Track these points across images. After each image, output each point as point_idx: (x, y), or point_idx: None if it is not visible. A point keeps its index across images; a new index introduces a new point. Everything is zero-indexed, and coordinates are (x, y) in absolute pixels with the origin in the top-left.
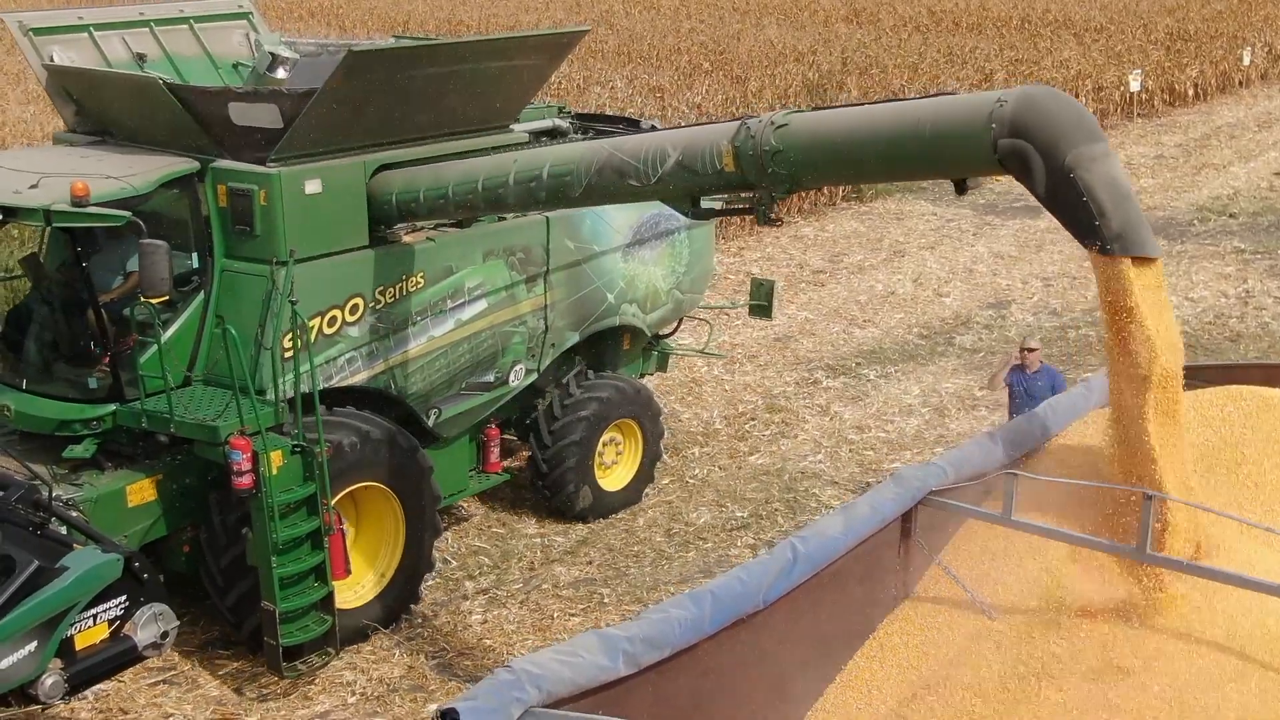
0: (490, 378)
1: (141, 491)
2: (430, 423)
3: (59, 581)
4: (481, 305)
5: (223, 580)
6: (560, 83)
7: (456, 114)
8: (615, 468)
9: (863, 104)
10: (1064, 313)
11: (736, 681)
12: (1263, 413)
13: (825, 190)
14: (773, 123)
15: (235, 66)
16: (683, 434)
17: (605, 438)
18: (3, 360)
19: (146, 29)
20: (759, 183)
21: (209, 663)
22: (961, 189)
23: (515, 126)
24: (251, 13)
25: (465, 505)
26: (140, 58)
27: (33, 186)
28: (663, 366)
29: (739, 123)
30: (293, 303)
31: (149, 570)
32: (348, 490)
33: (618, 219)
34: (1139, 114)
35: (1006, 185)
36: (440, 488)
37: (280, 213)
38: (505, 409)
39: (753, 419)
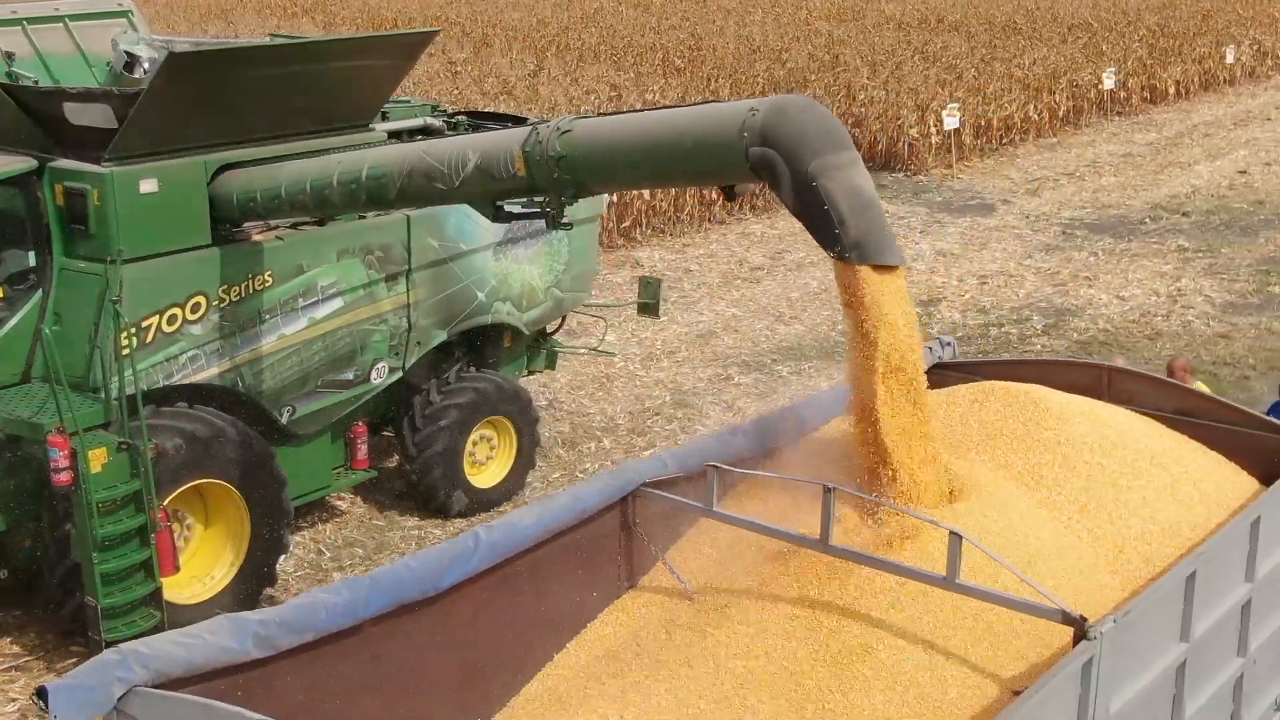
0: (349, 375)
1: None
2: (283, 420)
3: None
4: (337, 304)
5: (61, 593)
6: (512, 79)
7: (304, 114)
8: (490, 464)
9: (641, 111)
10: (992, 310)
11: (417, 668)
12: (1008, 406)
13: None
14: (558, 129)
15: (109, 65)
16: (583, 429)
17: (475, 436)
18: None
19: (19, 27)
20: (547, 187)
21: (64, 650)
22: (730, 195)
23: (381, 126)
24: (130, 11)
25: (347, 499)
26: (8, 57)
27: None
28: (551, 364)
29: (531, 128)
30: (114, 302)
31: None
32: (188, 486)
33: (482, 218)
34: (1116, 112)
35: (964, 183)
36: (286, 475)
37: (113, 212)
38: (376, 407)
39: (656, 414)
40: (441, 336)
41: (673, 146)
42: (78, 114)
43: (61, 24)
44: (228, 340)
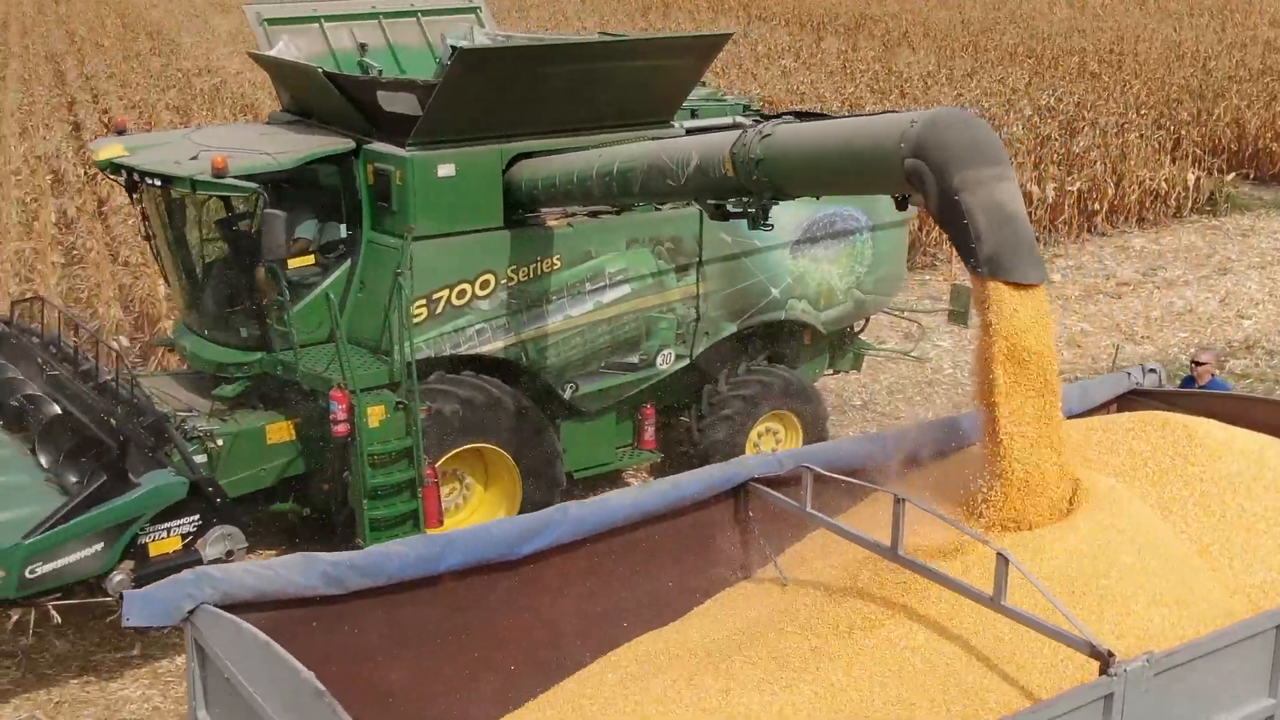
0: (634, 359)
1: (280, 431)
2: (566, 395)
3: (129, 494)
4: (624, 290)
5: (343, 534)
6: (912, 79)
7: (600, 109)
8: None
9: (833, 117)
10: None
11: (497, 626)
12: (1163, 438)
13: (1173, 202)
14: (761, 133)
15: None
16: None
17: (761, 428)
18: (187, 308)
19: (375, 21)
20: (750, 188)
21: None
22: (901, 205)
23: (689, 123)
24: (479, 7)
25: (637, 477)
26: (362, 47)
27: (192, 159)
28: (857, 365)
29: (741, 131)
30: (396, 274)
31: (223, 495)
32: (466, 448)
33: (783, 216)
34: None
35: None
36: (561, 447)
37: (412, 192)
38: (666, 392)
39: None
40: (731, 329)
41: (846, 155)
42: (389, 101)
43: (414, 18)
44: (514, 317)
